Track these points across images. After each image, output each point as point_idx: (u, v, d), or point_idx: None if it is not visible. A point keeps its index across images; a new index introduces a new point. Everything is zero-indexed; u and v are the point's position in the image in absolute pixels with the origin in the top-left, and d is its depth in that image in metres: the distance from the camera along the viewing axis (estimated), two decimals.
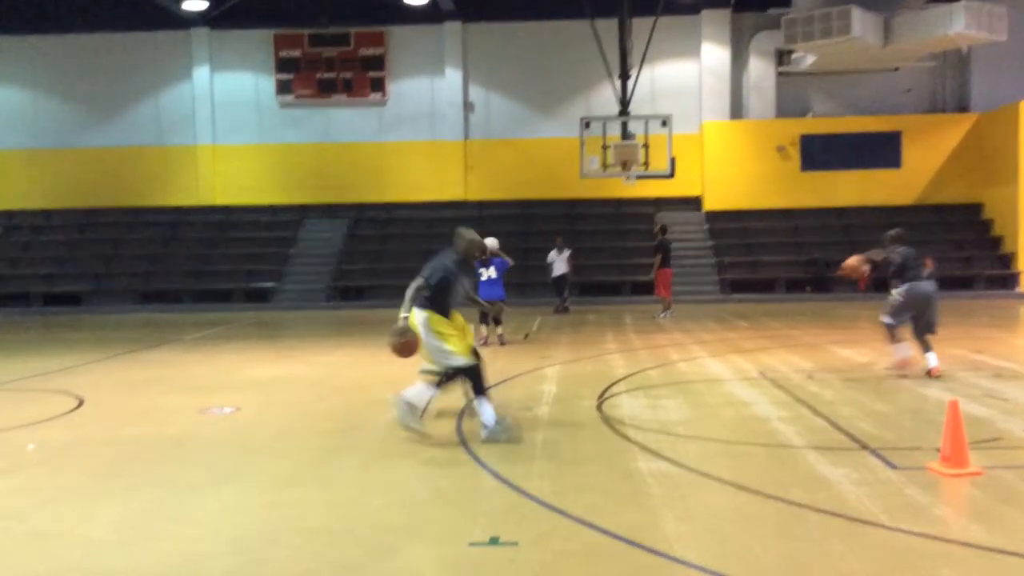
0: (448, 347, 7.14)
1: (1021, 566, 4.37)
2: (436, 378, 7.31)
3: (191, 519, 5.35)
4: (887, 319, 10.76)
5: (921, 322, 10.25)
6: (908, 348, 10.41)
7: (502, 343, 14.02)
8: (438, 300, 7.21)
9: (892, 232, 11.14)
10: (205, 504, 5.66)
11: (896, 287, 10.71)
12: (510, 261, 14.52)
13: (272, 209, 27.94)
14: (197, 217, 27.81)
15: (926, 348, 10.18)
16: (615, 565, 4.48)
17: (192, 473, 6.49)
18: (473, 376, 7.18)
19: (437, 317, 7.19)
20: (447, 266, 7.27)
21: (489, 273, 14.16)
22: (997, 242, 24.60)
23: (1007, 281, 23.60)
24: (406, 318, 7.12)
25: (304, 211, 27.79)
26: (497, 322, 14.14)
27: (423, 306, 7.17)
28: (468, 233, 7.53)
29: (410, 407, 7.27)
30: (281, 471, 6.51)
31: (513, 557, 4.59)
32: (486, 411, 7.15)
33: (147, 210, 27.89)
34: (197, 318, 21.09)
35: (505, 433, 7.13)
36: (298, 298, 24.54)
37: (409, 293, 7.15)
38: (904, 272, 10.56)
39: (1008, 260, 23.92)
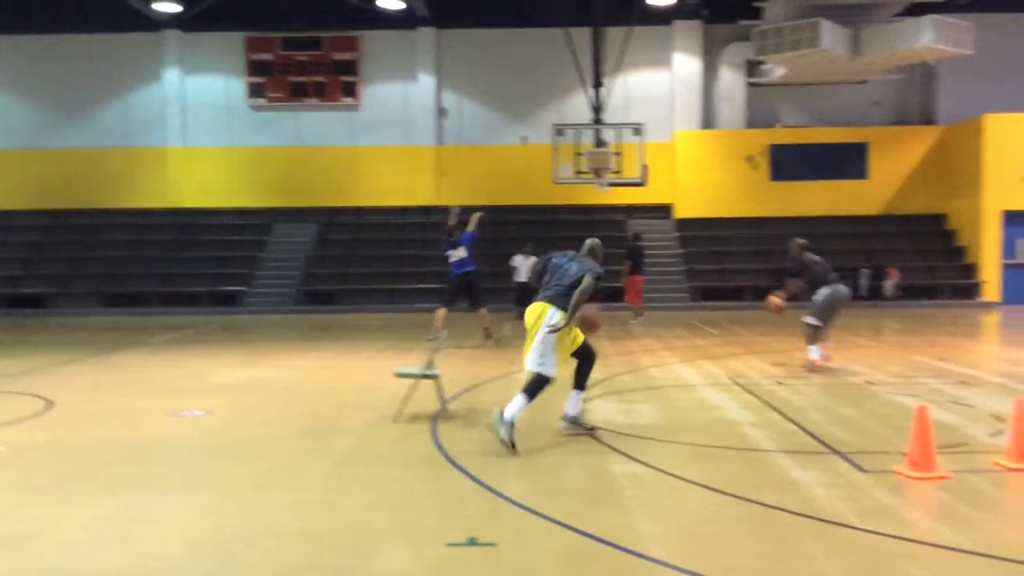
0: (553, 356, 7.22)
1: (987, 566, 4.47)
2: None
3: (166, 521, 5.33)
4: (815, 320, 11.41)
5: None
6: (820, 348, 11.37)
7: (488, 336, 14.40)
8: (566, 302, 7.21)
9: (800, 241, 11.85)
10: (179, 506, 5.63)
11: (818, 291, 11.46)
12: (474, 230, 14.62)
13: (242, 212, 27.75)
14: (165, 220, 27.54)
15: (815, 340, 11.40)
16: (593, 565, 4.53)
17: (165, 476, 6.45)
18: (541, 385, 7.20)
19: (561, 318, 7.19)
20: (597, 270, 7.40)
21: (459, 254, 14.12)
22: (960, 252, 25.03)
23: (970, 291, 24.02)
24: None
25: (274, 215, 27.64)
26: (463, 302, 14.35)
27: (560, 306, 7.21)
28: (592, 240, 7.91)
29: (573, 421, 7.54)
30: (255, 474, 6.49)
31: (493, 558, 4.62)
32: (514, 408, 7.04)
33: (114, 212, 27.58)
34: (165, 321, 20.89)
35: (507, 434, 6.92)
36: (267, 302, 24.38)
37: (580, 298, 7.16)
38: (827, 276, 11.38)
39: (971, 270, 24.34)
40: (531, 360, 7.27)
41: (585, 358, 7.60)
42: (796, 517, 5.24)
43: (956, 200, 25.32)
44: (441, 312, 14.26)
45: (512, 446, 6.89)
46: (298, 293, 24.90)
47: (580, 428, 7.61)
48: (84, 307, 23.94)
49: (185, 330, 18.57)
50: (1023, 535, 5.09)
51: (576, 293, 7.15)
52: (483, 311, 14.55)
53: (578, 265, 7.44)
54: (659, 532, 5.00)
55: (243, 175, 27.86)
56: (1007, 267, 23.70)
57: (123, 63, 27.67)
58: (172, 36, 27.49)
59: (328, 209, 27.61)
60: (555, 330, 7.16)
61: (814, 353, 11.43)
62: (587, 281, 7.16)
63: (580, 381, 7.62)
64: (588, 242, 7.85)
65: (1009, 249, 23.68)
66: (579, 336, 7.49)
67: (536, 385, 7.19)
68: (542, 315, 7.28)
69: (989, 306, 23.13)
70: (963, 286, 24.12)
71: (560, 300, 7.24)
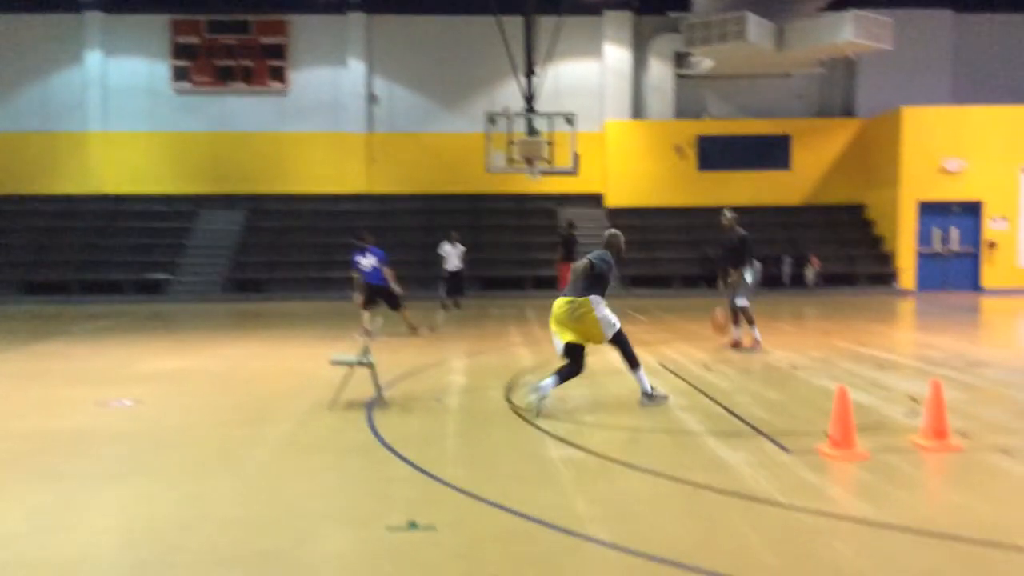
0: (611, 315, 8.15)
1: (905, 539, 4.72)
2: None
3: (102, 510, 5.27)
4: (745, 302, 11.92)
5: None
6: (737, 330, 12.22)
7: (366, 333, 13.55)
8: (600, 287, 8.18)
9: (733, 213, 12.30)
10: (115, 495, 5.57)
11: (745, 269, 11.97)
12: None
13: (166, 199, 27.14)
14: (87, 206, 26.78)
15: (738, 321, 12.20)
16: (533, 546, 4.64)
17: (98, 465, 6.36)
18: (624, 341, 8.22)
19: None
20: (610, 261, 8.25)
21: (368, 263, 13.97)
22: (878, 241, 25.88)
23: (886, 278, 24.86)
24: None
25: (200, 201, 27.09)
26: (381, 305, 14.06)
27: (589, 293, 8.07)
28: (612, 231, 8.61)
29: (649, 398, 8.29)
30: (190, 462, 6.44)
31: (433, 540, 4.70)
32: (641, 378, 8.27)
33: (33, 198, 26.70)
34: (87, 310, 20.35)
35: (653, 401, 8.19)
36: (193, 290, 23.94)
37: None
38: (753, 252, 11.99)
39: (888, 259, 25.20)
40: (607, 334, 8.11)
41: (575, 358, 8.11)
42: (725, 496, 5.44)
43: (874, 191, 26.17)
44: (365, 315, 14.07)
45: (664, 397, 8.36)
46: (225, 281, 24.49)
47: (656, 399, 8.33)
48: (2, 295, 23.16)
49: (109, 319, 18.13)
50: (938, 510, 5.37)
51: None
52: (404, 311, 14.29)
53: (596, 257, 8.26)
54: (596, 513, 5.14)
55: (167, 160, 27.25)
56: (922, 256, 24.61)
57: (42, 45, 26.78)
58: (94, 17, 26.69)
59: (256, 196, 27.19)
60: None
61: (756, 333, 12.25)
62: (598, 266, 8.10)
63: (562, 372, 8.11)
64: (606, 233, 8.62)
65: (924, 238, 24.59)
66: (596, 333, 8.12)
67: (627, 354, 8.25)
68: (577, 307, 8.01)
69: (905, 293, 23.98)
70: (880, 274, 24.95)
71: (587, 289, 8.07)
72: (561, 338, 8.10)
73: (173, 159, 27.27)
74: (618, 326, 8.19)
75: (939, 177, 24.17)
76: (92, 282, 23.96)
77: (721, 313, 12.23)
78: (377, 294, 14.10)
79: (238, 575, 4.32)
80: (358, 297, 14.29)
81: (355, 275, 14.30)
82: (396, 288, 14.13)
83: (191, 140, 27.16)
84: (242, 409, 8.43)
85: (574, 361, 8.07)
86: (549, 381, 7.87)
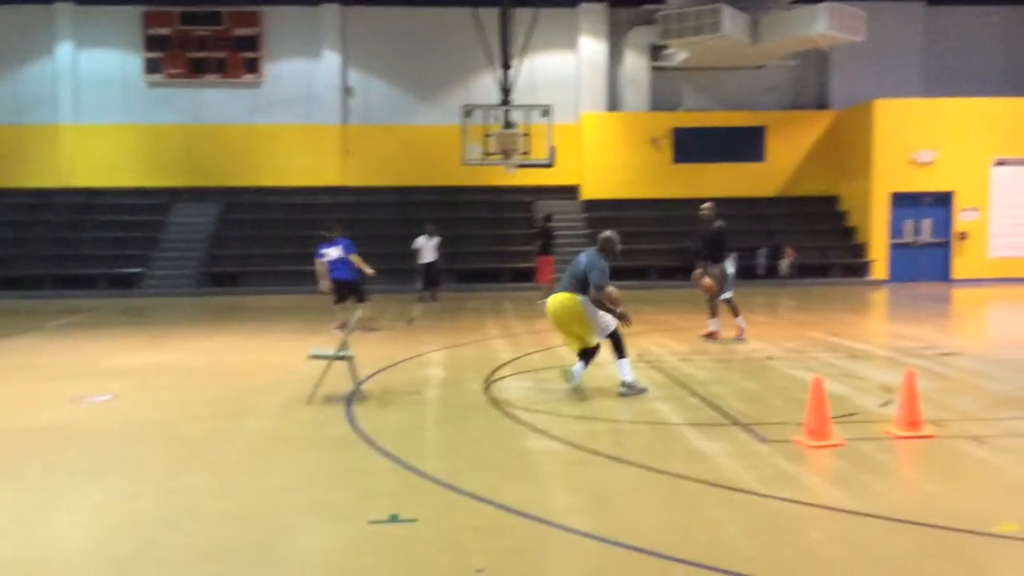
0: (604, 317, 8.43)
1: (879, 526, 4.80)
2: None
3: (83, 506, 5.25)
4: (730, 293, 12.13)
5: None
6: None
7: (342, 327, 12.95)
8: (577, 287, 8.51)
9: (712, 205, 12.49)
10: (95, 491, 5.55)
11: (724, 260, 12.13)
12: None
13: (139, 192, 26.84)
14: (59, 199, 26.44)
15: (716, 313, 12.43)
16: (514, 537, 4.68)
17: (77, 462, 6.32)
18: (618, 340, 8.51)
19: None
20: (600, 266, 8.46)
21: (335, 253, 13.79)
22: (851, 232, 26.12)
23: (859, 269, 25.10)
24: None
25: (173, 194, 26.82)
26: (350, 300, 13.85)
27: (579, 291, 8.44)
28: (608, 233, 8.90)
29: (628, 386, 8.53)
30: (170, 457, 6.42)
31: (415, 533, 4.72)
32: (625, 372, 8.48)
33: (3, 192, 26.31)
34: (60, 305, 20.13)
35: (632, 391, 8.38)
36: (167, 284, 23.73)
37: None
38: (728, 243, 12.11)
39: (860, 249, 25.44)
40: (596, 336, 8.50)
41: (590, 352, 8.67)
42: (704, 485, 5.51)
43: (847, 182, 26.39)
44: (339, 310, 13.95)
45: (643, 389, 8.49)
46: (200, 275, 24.30)
47: (636, 390, 8.52)
48: None
49: (83, 314, 17.96)
50: (912, 497, 5.47)
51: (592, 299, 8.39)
52: (366, 307, 13.89)
53: (586, 258, 8.53)
54: (576, 504, 5.18)
55: (140, 153, 26.95)
56: (894, 247, 24.86)
57: (12, 36, 26.35)
58: (65, 9, 26.31)
59: (230, 189, 26.96)
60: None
61: (741, 322, 12.50)
62: (592, 293, 8.33)
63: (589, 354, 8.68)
64: (600, 236, 8.84)
65: (896, 229, 24.85)
66: (585, 334, 8.56)
67: (617, 344, 8.48)
68: (564, 302, 8.47)
69: (877, 284, 24.23)
70: (853, 265, 25.18)
71: (575, 288, 8.44)
72: (570, 348, 8.76)
73: (146, 152, 26.97)
74: (611, 328, 8.44)
75: (911, 168, 24.42)
76: (65, 276, 23.68)
77: (700, 275, 12.38)
78: (345, 288, 13.90)
79: (220, 570, 4.32)
80: (324, 283, 14.10)
81: (319, 265, 14.08)
82: (368, 269, 13.97)
83: (164, 133, 26.87)
84: (219, 404, 8.40)
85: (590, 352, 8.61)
86: (579, 367, 8.47)
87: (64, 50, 26.46)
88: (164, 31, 26.62)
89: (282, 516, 5.05)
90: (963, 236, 24.49)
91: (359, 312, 12.43)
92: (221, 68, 26.84)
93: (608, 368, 10.14)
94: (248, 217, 26.50)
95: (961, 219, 24.54)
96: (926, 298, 19.83)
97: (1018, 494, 5.43)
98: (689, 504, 5.20)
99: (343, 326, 13.12)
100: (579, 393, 8.54)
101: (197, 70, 26.81)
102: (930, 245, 24.82)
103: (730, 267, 12.44)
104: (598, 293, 8.24)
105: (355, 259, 13.87)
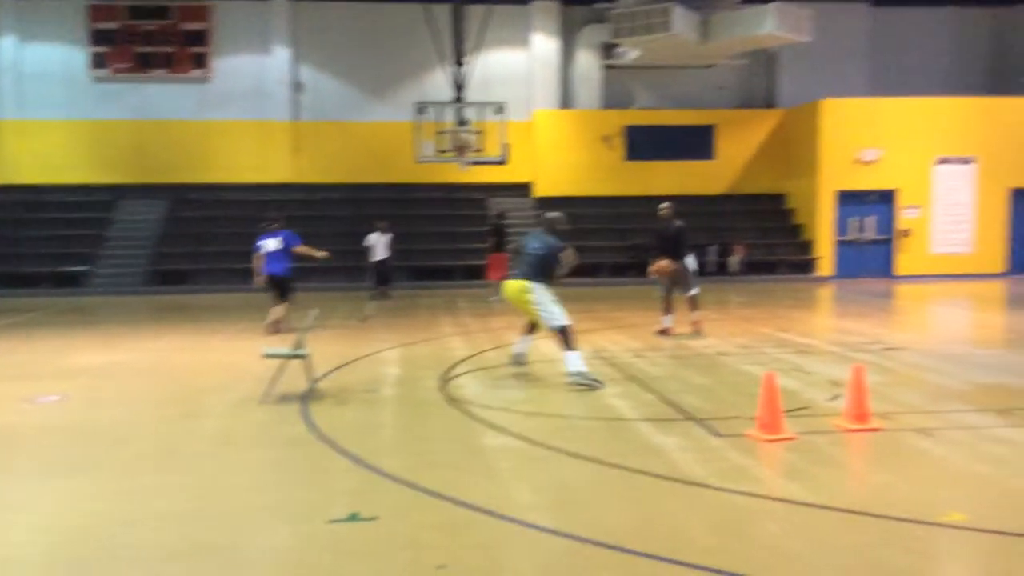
0: (556, 308, 8.79)
1: (832, 517, 4.93)
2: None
3: (38, 507, 5.18)
4: (697, 290, 12.34)
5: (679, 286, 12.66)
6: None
7: (275, 331, 12.90)
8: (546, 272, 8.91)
9: (670, 204, 12.70)
10: (51, 492, 5.47)
11: (686, 257, 12.33)
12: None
13: (84, 189, 26.29)
14: (1, 197, 25.77)
15: (670, 310, 12.61)
16: (476, 534, 4.71)
17: (30, 462, 6.22)
18: (567, 335, 8.67)
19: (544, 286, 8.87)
20: (553, 244, 8.87)
21: (273, 244, 13.23)
22: (798, 230, 26.58)
23: (806, 266, 25.54)
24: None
25: (119, 191, 26.32)
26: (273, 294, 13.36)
27: (534, 279, 8.79)
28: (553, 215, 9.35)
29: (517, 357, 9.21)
30: (126, 458, 6.34)
31: (375, 531, 4.73)
32: (572, 362, 8.60)
33: None
34: (4, 304, 19.63)
35: (589, 382, 8.48)
36: (114, 283, 23.28)
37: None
38: (688, 240, 12.31)
39: (807, 247, 25.90)
40: (545, 324, 8.80)
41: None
42: (660, 480, 5.60)
43: (795, 180, 26.84)
44: (275, 308, 13.46)
45: (597, 381, 8.58)
46: (147, 273, 23.88)
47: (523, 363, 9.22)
48: None
49: (28, 313, 17.56)
50: (863, 489, 5.62)
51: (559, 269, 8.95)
52: (285, 306, 13.56)
53: (536, 241, 8.91)
54: (535, 500, 5.23)
55: (85, 150, 26.39)
56: (840, 244, 25.37)
57: None
58: (7, 1, 25.67)
59: (178, 185, 26.52)
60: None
61: (696, 316, 12.70)
62: (567, 255, 8.90)
63: (531, 329, 9.39)
64: (545, 216, 9.19)
65: (842, 227, 25.34)
66: (536, 317, 8.99)
67: (564, 337, 8.65)
68: (522, 289, 8.81)
69: (823, 280, 24.70)
70: (800, 262, 25.62)
71: (532, 274, 8.78)
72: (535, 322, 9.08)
73: (92, 148, 26.42)
74: (563, 323, 8.68)
75: (856, 167, 24.92)
76: (9, 275, 23.11)
77: (667, 265, 12.45)
78: (275, 284, 13.46)
79: (180, 570, 4.29)
80: (259, 279, 13.63)
81: (255, 259, 13.64)
82: (319, 254, 13.74)
83: (110, 128, 26.35)
84: (173, 403, 8.30)
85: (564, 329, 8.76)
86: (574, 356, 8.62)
87: (7, 44, 25.81)
88: (111, 25, 26.09)
89: (242, 516, 5.02)
90: (906, 233, 25.05)
91: (315, 311, 12.27)
92: (169, 63, 26.41)
93: (561, 364, 10.22)
94: (196, 214, 26.10)
95: (904, 217, 25.11)
96: (870, 294, 20.27)
97: (963, 485, 5.60)
98: (647, 498, 5.29)
99: (274, 325, 12.93)
100: (536, 389, 8.59)
101: (144, 65, 26.34)
102: (874, 242, 25.35)
103: (691, 264, 12.65)
104: (569, 267, 8.87)
105: (301, 249, 13.50)
